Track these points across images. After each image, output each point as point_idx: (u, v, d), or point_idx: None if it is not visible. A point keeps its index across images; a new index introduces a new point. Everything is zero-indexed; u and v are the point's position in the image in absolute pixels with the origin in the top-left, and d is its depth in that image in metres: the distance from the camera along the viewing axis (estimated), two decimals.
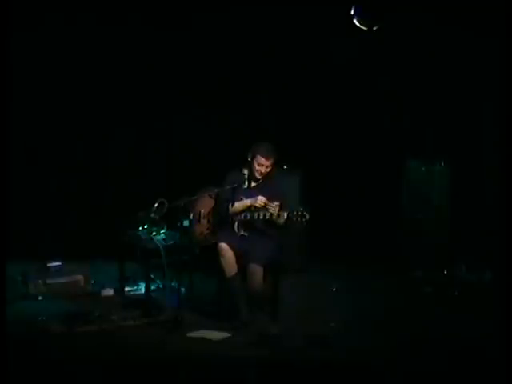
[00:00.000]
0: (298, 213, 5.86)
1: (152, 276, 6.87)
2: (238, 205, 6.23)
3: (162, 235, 6.71)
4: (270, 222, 6.12)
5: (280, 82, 8.41)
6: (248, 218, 6.18)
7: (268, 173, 6.30)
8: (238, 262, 6.13)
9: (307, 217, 5.84)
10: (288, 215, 5.92)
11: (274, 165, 6.31)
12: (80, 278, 7.06)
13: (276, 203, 6.01)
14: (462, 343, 5.63)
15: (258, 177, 6.29)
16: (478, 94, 7.97)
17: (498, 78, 7.14)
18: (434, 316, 6.44)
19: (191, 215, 6.41)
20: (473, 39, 7.80)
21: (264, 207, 6.07)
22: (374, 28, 7.49)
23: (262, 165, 6.23)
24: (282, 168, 7.75)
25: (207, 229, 6.49)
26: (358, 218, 8.36)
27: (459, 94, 8.07)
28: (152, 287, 6.80)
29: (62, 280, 7.00)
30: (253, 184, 6.35)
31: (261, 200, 6.10)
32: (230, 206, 6.24)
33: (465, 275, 7.52)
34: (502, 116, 6.32)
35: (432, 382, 5.05)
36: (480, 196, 7.94)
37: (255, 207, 6.14)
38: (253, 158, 6.25)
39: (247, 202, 6.20)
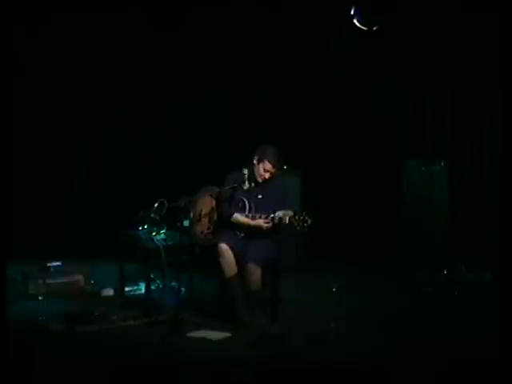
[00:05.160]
0: (299, 218, 5.76)
1: (152, 276, 6.86)
2: (242, 219, 6.17)
3: (162, 235, 6.71)
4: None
5: (280, 82, 8.40)
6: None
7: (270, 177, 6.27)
8: (237, 262, 6.12)
9: (309, 222, 5.74)
10: (290, 220, 5.83)
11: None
12: (80, 278, 7.06)
13: (279, 213, 5.94)
14: (462, 343, 5.62)
15: (260, 181, 6.23)
16: (478, 94, 7.96)
17: (498, 78, 7.14)
18: (433, 316, 6.43)
19: (191, 214, 6.39)
20: (473, 39, 7.79)
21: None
22: (374, 28, 7.49)
23: (267, 171, 6.15)
24: (282, 168, 7.75)
25: (208, 228, 6.45)
26: (358, 217, 8.37)
27: (459, 93, 8.07)
28: (152, 287, 6.80)
29: (62, 280, 6.99)
30: (254, 185, 6.27)
31: (266, 226, 6.06)
32: (231, 212, 6.20)
33: (465, 275, 7.52)
34: (502, 116, 6.33)
35: (432, 382, 5.05)
36: (480, 196, 7.93)
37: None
38: (259, 161, 6.16)
39: (251, 222, 6.10)
